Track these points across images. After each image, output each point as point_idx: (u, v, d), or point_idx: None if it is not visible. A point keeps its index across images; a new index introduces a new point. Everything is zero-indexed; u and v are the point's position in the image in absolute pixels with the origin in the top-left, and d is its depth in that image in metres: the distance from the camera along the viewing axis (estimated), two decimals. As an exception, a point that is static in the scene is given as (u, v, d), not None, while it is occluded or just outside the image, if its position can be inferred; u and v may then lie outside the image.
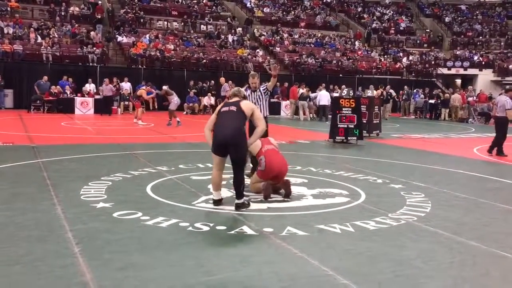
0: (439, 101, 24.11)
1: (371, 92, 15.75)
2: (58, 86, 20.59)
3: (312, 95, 21.81)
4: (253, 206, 5.78)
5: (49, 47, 22.78)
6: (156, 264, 3.89)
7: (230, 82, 21.69)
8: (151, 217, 5.14)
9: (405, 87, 26.42)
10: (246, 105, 5.78)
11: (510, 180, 8.09)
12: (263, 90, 7.63)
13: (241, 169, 5.66)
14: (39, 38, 23.40)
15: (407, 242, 4.66)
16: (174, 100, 16.16)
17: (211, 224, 5.00)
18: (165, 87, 17.65)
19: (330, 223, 5.14)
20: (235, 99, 5.89)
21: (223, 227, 4.94)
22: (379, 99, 16.44)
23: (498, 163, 10.39)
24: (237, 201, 5.66)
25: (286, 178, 6.44)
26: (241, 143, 5.55)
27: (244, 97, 6.08)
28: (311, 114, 21.99)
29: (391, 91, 24.41)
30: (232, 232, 4.81)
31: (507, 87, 12.42)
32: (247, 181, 6.76)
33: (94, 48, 23.58)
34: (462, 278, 3.84)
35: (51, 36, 23.78)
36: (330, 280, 3.69)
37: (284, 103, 23.91)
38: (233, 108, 5.67)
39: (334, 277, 3.74)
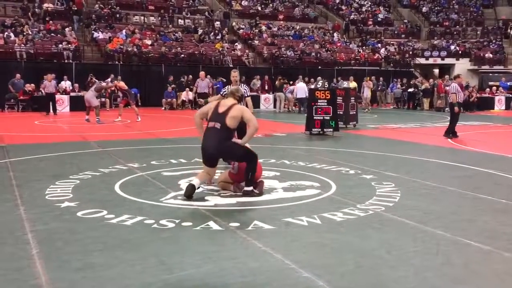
0: (416, 90, 24.29)
1: (346, 84, 15.75)
2: (32, 84, 20.22)
3: (289, 87, 21.79)
4: (221, 200, 5.73)
5: (22, 45, 22.34)
6: (116, 263, 3.81)
7: (209, 76, 21.51)
8: (116, 215, 5.04)
9: (380, 78, 26.39)
10: (236, 111, 5.79)
11: (480, 167, 8.16)
12: (245, 90, 7.99)
13: (250, 162, 5.85)
14: (12, 35, 22.93)
15: (372, 232, 4.65)
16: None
17: (177, 221, 4.93)
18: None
19: (298, 216, 5.11)
20: (230, 99, 5.94)
21: (189, 223, 4.87)
22: (355, 91, 16.49)
23: (470, 150, 10.48)
24: (245, 188, 5.93)
25: (260, 179, 6.35)
26: (230, 150, 5.83)
27: (240, 99, 6.13)
28: (290, 107, 21.98)
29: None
30: (198, 228, 4.75)
31: (455, 74, 13.79)
32: (218, 175, 6.71)
33: (69, 45, 23.19)
34: (425, 267, 3.84)
35: (24, 33, 23.32)
36: (292, 273, 3.66)
37: (263, 96, 23.86)
38: (218, 125, 5.75)
39: (296, 270, 3.71)
